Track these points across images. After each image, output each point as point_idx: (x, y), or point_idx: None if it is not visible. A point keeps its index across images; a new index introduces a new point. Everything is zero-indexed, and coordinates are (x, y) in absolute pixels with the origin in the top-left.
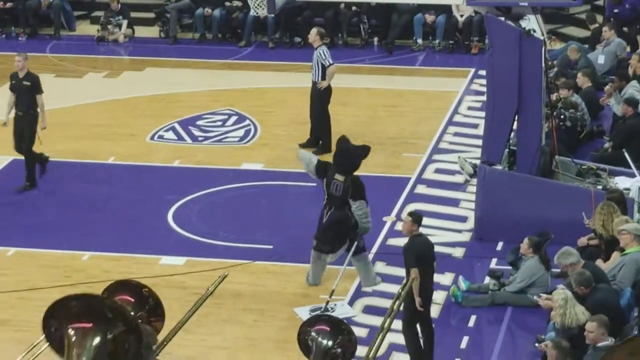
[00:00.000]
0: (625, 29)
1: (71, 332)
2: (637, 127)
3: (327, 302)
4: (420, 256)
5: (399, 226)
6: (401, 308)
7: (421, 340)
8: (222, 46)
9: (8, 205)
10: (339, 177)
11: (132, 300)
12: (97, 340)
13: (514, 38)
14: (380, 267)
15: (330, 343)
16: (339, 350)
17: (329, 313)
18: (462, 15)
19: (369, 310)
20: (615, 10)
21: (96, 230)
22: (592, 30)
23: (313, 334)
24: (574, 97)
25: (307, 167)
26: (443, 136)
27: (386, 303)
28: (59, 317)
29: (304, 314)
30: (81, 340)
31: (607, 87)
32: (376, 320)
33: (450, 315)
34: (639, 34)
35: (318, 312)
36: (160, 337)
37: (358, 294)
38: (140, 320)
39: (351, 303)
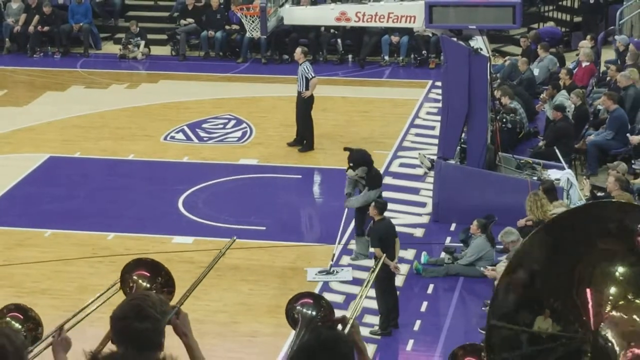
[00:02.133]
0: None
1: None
2: (566, 129)
3: (331, 266)
4: (382, 237)
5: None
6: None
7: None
8: (223, 62)
9: (45, 194)
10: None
11: (148, 274)
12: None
13: (465, 55)
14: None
15: (314, 312)
16: (321, 317)
17: (332, 275)
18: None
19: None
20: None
21: (119, 214)
22: (525, 48)
23: (298, 307)
24: (513, 103)
25: (366, 200)
26: (406, 136)
27: (361, 275)
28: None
29: (311, 273)
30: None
31: (541, 96)
32: (352, 289)
33: (412, 284)
34: (566, 52)
35: (324, 274)
36: (179, 296)
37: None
38: (154, 291)
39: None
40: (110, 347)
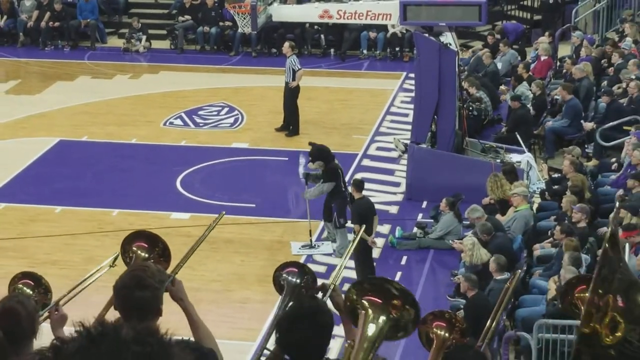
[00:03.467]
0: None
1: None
2: (524, 116)
3: (311, 241)
4: (361, 214)
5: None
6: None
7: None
8: (218, 55)
9: (55, 174)
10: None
11: (146, 245)
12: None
13: (435, 50)
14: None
15: (298, 280)
16: (304, 284)
17: (314, 249)
18: (393, 26)
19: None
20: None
21: (122, 193)
22: (491, 44)
23: (284, 275)
24: (479, 93)
25: (320, 192)
26: (382, 122)
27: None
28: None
29: (295, 247)
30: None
31: (501, 87)
32: (333, 261)
33: (388, 256)
34: (527, 47)
35: (307, 247)
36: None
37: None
38: (153, 261)
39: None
40: (113, 312)
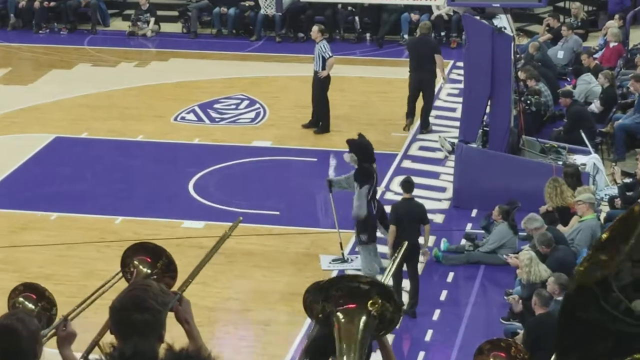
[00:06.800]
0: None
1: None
2: (581, 113)
3: (342, 254)
4: (399, 217)
5: (389, 195)
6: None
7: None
8: (236, 40)
9: (50, 176)
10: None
11: (149, 259)
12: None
13: (488, 34)
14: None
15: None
16: None
17: (347, 263)
18: (438, 7)
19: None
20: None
21: (127, 197)
22: (554, 28)
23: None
24: (538, 85)
25: (348, 183)
26: None
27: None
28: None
29: (325, 261)
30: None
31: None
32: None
33: (432, 272)
34: (591, 32)
35: (338, 262)
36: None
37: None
38: (156, 277)
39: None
40: (109, 337)
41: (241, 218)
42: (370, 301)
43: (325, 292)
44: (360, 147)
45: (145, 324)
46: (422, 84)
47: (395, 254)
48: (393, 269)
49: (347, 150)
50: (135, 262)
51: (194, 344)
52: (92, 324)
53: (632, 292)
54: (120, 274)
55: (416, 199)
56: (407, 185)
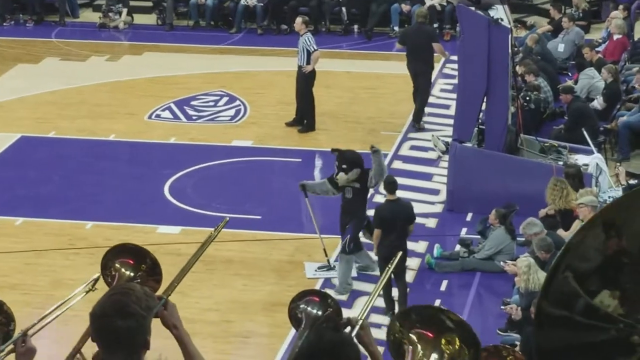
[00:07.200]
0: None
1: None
2: (582, 110)
3: (328, 261)
4: (384, 218)
5: (378, 198)
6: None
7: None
8: (215, 32)
9: (15, 178)
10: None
11: (132, 262)
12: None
13: (483, 26)
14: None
15: (320, 312)
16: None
17: (333, 271)
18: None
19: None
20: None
21: (98, 201)
22: (555, 20)
23: (302, 305)
24: (537, 80)
25: (322, 190)
26: None
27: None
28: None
29: (311, 269)
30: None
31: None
32: (357, 286)
33: (425, 280)
34: (594, 24)
35: (324, 269)
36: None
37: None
38: (139, 281)
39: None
40: (90, 344)
41: (227, 218)
42: (449, 337)
43: (407, 315)
44: (356, 158)
45: (128, 330)
46: (417, 76)
47: (389, 265)
48: (385, 280)
49: (338, 162)
50: (117, 265)
51: (186, 351)
52: (62, 336)
53: (595, 284)
54: (93, 281)
55: (401, 199)
56: (391, 187)
